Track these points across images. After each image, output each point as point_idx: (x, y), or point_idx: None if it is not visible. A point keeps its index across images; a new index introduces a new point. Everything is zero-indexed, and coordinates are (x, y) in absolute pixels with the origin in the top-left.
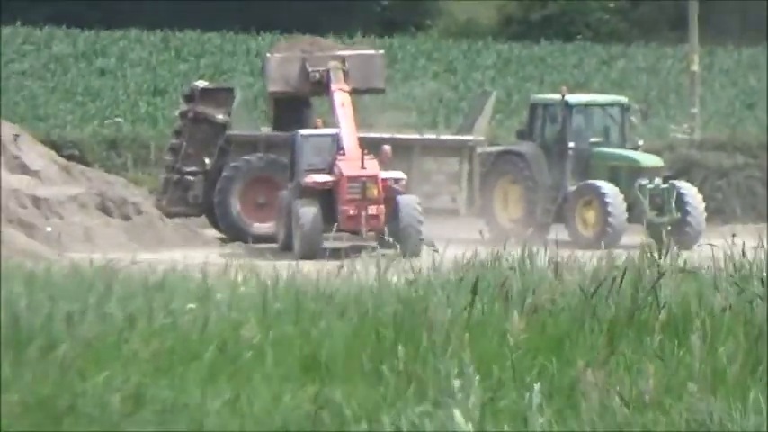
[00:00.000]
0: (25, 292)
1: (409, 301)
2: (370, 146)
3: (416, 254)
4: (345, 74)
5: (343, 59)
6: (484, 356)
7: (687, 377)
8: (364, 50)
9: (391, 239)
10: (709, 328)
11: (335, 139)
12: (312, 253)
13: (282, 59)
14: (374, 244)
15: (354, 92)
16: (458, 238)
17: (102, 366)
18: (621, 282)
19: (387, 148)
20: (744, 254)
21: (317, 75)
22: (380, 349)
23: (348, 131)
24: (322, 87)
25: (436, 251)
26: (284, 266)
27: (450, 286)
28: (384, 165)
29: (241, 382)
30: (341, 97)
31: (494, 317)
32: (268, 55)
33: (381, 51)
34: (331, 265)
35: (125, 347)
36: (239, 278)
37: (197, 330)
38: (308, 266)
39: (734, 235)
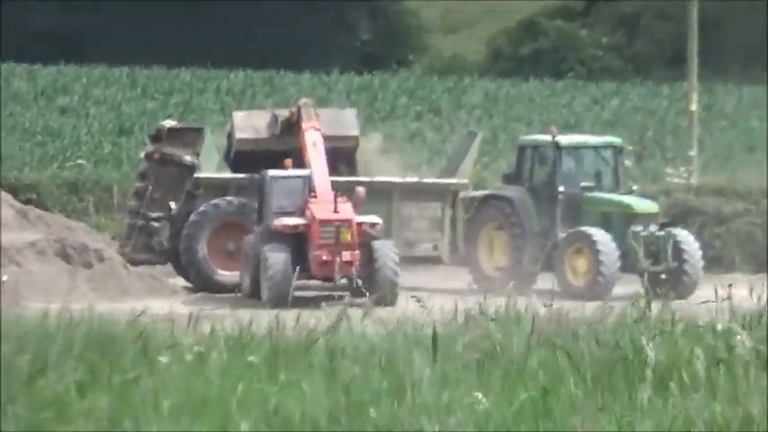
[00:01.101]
0: None
1: (386, 359)
2: (345, 190)
3: (392, 303)
4: (317, 115)
5: (314, 104)
6: (461, 416)
7: None
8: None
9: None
10: (702, 382)
11: (306, 181)
12: (282, 301)
13: (249, 113)
14: (346, 293)
15: (327, 140)
16: (441, 287)
17: (63, 423)
18: (592, 334)
19: (360, 189)
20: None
21: (287, 114)
22: (354, 409)
23: (320, 173)
24: (292, 129)
25: (423, 306)
26: (256, 316)
27: (425, 342)
28: (357, 209)
29: None
30: (312, 136)
31: (470, 374)
32: (234, 113)
33: (354, 109)
34: (304, 315)
35: (86, 403)
36: (207, 329)
37: (164, 384)
38: (282, 316)
39: (730, 285)
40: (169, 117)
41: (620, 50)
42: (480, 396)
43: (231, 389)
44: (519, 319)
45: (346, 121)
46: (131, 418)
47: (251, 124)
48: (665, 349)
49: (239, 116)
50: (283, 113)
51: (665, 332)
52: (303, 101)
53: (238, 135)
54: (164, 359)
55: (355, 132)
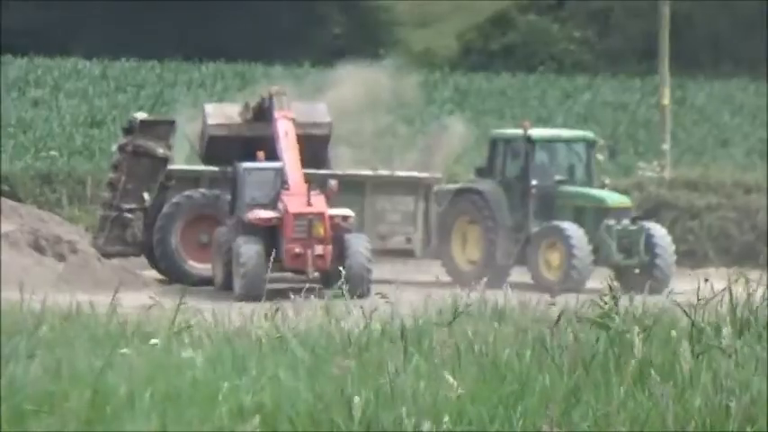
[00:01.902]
0: None
1: (364, 350)
2: (318, 183)
3: (365, 296)
4: (288, 103)
5: (286, 92)
6: (438, 409)
7: (658, 428)
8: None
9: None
10: (679, 377)
11: (279, 173)
12: (254, 294)
13: (220, 105)
14: (319, 285)
15: (300, 127)
16: (413, 280)
17: (39, 417)
18: (563, 328)
19: (333, 182)
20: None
21: (259, 100)
22: (337, 400)
23: (293, 164)
24: (264, 116)
25: (388, 301)
26: (228, 309)
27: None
28: (330, 201)
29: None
30: (285, 126)
31: (445, 369)
32: (205, 104)
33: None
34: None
35: (61, 396)
36: (179, 322)
37: (133, 377)
38: (251, 309)
39: (706, 280)
40: (141, 109)
41: (591, 45)
42: (455, 384)
43: (205, 383)
44: (496, 313)
45: (319, 110)
46: (105, 413)
47: (223, 112)
48: (644, 343)
49: (211, 106)
50: (255, 100)
51: (643, 326)
52: (275, 89)
53: (210, 121)
54: (133, 352)
55: (328, 119)
